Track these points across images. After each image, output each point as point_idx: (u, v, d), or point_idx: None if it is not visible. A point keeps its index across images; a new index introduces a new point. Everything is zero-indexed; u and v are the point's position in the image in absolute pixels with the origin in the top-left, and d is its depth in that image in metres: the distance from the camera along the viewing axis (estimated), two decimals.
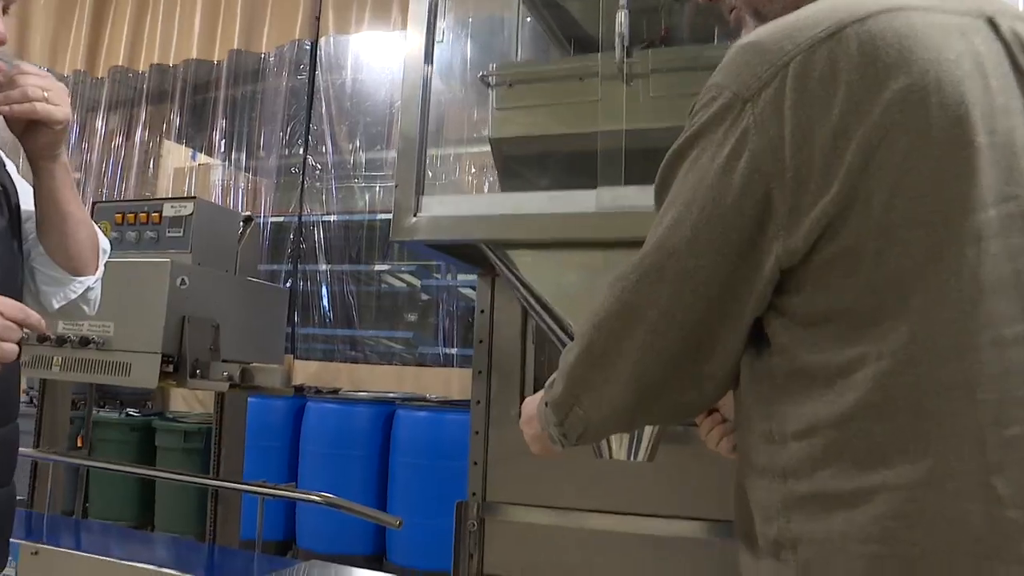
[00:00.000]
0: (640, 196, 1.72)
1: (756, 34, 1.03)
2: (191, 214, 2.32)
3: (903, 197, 0.93)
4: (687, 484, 2.12)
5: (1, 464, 1.44)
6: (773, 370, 1.04)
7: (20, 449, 2.88)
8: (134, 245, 2.35)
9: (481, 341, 2.28)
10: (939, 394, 0.93)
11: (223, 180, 7.00)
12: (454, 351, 6.51)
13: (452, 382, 6.37)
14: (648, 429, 1.83)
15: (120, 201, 2.64)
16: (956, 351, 0.93)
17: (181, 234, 2.30)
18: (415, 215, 1.83)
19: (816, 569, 0.98)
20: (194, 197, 2.34)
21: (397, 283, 6.92)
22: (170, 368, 2.25)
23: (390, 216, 6.09)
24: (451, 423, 5.29)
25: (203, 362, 2.28)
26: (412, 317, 7.00)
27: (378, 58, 6.77)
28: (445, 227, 1.82)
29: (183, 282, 2.18)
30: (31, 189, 1.50)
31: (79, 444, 3.69)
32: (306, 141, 6.72)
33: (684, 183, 1.03)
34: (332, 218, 6.60)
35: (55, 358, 2.22)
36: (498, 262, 1.86)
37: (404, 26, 2.50)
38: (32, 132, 1.38)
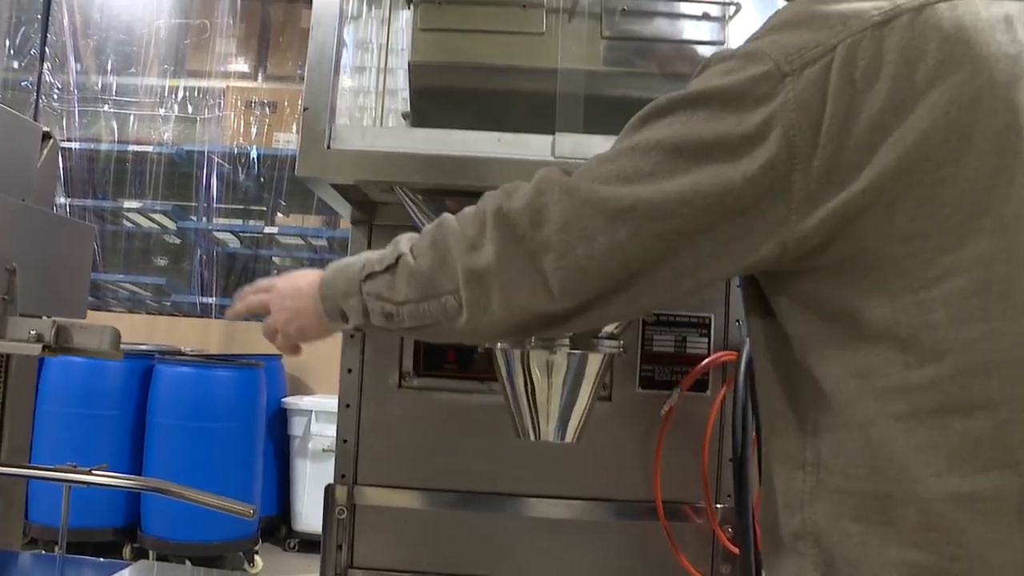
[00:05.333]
0: (604, 146, 1.50)
1: (804, 6, 0.95)
2: None
3: (933, 205, 0.88)
4: (581, 463, 1.97)
5: None
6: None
7: None
8: None
9: None
10: None
11: None
12: (212, 300, 5.99)
13: (210, 334, 5.87)
14: (579, 409, 1.66)
15: None
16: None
17: None
18: (327, 147, 1.50)
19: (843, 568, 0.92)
20: None
21: (145, 223, 6.23)
22: None
23: (144, 148, 5.43)
24: (219, 380, 4.85)
25: None
26: (163, 261, 6.36)
27: None
28: (364, 165, 1.51)
29: None
30: None
31: None
32: (42, 53, 5.82)
33: (688, 137, 0.93)
34: (74, 145, 5.78)
35: None
36: (417, 213, 1.58)
37: None
38: None
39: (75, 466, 1.93)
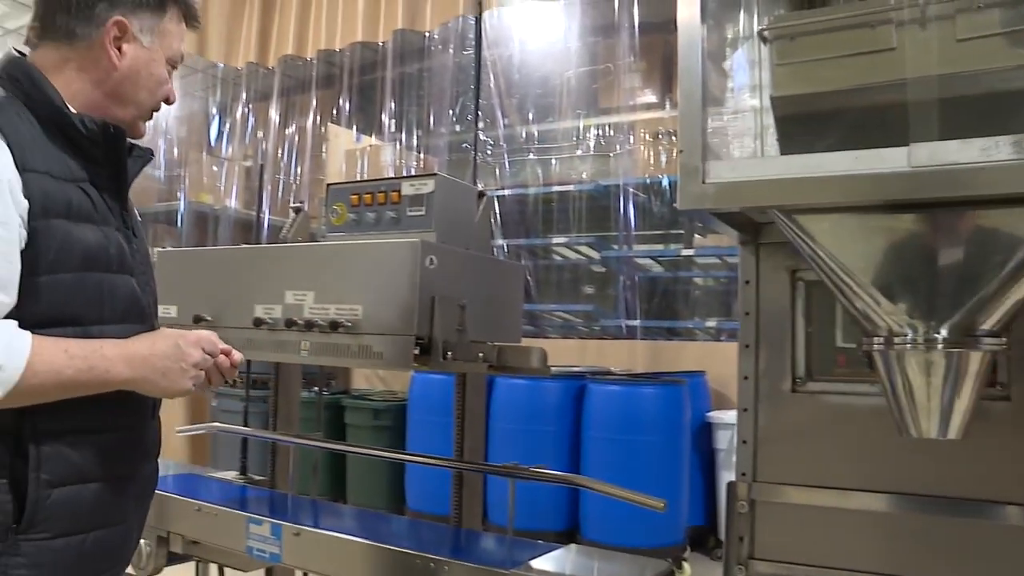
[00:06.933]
0: (962, 151, 1.54)
1: None
2: (432, 192, 2.28)
3: None
4: (988, 463, 1.93)
5: (156, 443, 1.72)
6: None
7: (265, 433, 2.96)
8: (373, 226, 2.32)
9: (748, 313, 2.14)
10: None
11: (394, 160, 7.08)
12: (637, 323, 6.40)
13: (636, 355, 6.27)
14: (962, 406, 1.67)
15: (355, 182, 2.63)
16: None
17: (423, 212, 2.26)
18: (703, 181, 1.72)
19: None
20: (435, 174, 2.29)
21: (572, 255, 6.86)
22: (417, 350, 2.22)
23: (566, 188, 6.00)
24: (645, 397, 5.19)
25: (452, 343, 2.25)
26: (590, 289, 6.93)
27: (544, 28, 6.68)
28: (737, 193, 1.70)
29: (431, 262, 2.14)
30: None
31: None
32: (476, 116, 6.71)
33: None
34: (505, 192, 6.57)
35: (303, 343, 2.20)
36: (791, 230, 1.73)
37: None
38: None
39: (517, 464, 2.33)
